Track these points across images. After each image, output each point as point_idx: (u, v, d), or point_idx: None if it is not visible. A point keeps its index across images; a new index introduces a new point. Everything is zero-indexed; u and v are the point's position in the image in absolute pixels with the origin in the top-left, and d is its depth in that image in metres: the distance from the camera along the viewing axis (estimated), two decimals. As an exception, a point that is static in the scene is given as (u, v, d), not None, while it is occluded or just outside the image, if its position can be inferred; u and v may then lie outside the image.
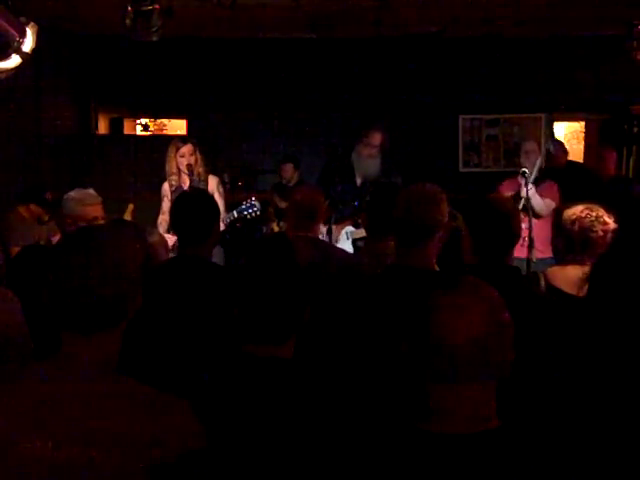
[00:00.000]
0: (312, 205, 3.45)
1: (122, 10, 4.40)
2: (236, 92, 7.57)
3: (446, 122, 7.87)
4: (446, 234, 2.48)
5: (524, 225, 4.46)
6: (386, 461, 1.46)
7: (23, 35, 4.01)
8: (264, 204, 6.06)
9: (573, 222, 3.06)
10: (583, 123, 9.06)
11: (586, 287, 2.30)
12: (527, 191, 4.65)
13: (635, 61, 5.12)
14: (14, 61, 4.07)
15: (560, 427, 1.92)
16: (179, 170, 4.69)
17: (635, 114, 7.82)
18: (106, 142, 7.90)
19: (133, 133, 8.95)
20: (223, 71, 7.55)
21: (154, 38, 4.49)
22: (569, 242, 3.08)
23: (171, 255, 3.51)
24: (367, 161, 5.11)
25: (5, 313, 2.15)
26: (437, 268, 2.87)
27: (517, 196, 4.66)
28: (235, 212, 4.39)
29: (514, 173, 5.04)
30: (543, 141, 4.76)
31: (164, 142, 5.03)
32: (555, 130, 8.58)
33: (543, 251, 4.96)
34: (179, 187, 4.68)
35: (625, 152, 7.67)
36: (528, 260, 4.48)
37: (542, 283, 3.09)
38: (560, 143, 6.70)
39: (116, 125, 8.44)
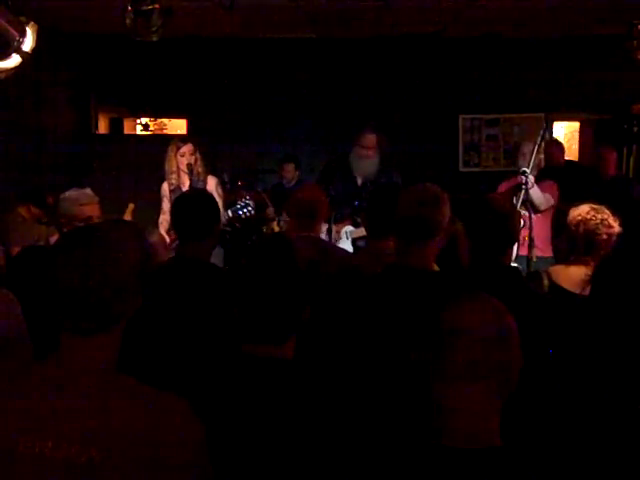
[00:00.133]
0: (313, 204, 3.45)
1: (122, 10, 4.40)
2: (236, 92, 7.57)
3: (446, 122, 7.87)
4: (446, 237, 2.48)
5: (526, 224, 4.46)
6: (389, 464, 1.45)
7: (23, 35, 4.02)
8: (264, 204, 6.07)
9: (578, 224, 3.07)
10: (578, 123, 9.06)
11: (589, 287, 2.30)
12: (527, 184, 4.64)
13: (635, 61, 5.12)
14: (14, 61, 4.08)
15: (562, 435, 1.92)
16: (179, 169, 4.69)
17: (635, 114, 7.82)
18: (106, 142, 7.89)
19: (133, 133, 8.95)
20: (223, 71, 7.55)
21: (154, 38, 4.49)
22: (573, 243, 3.09)
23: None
24: (362, 162, 5.15)
25: (5, 314, 2.16)
26: (437, 269, 2.88)
27: (517, 188, 4.65)
28: (230, 211, 4.40)
29: (514, 173, 5.04)
30: (539, 140, 4.74)
31: (164, 142, 5.02)
32: (554, 130, 8.59)
33: (543, 250, 4.97)
34: (178, 187, 4.69)
35: (625, 152, 7.68)
36: (528, 259, 4.48)
37: (545, 282, 3.10)
38: (558, 143, 6.70)
39: (116, 125, 8.43)
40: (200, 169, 4.69)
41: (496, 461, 1.39)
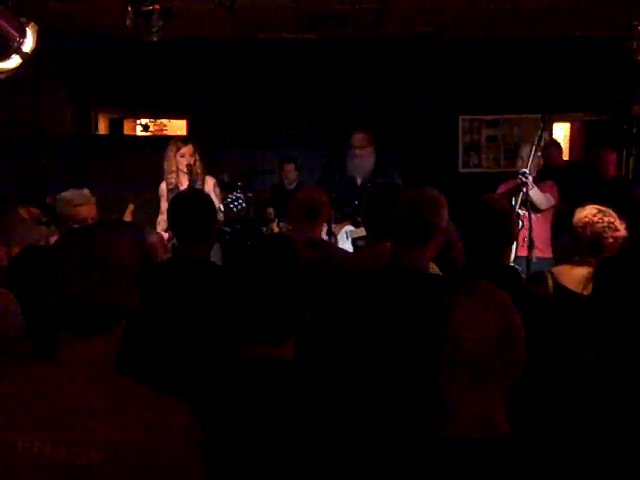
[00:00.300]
0: (315, 205, 3.45)
1: (122, 10, 4.40)
2: (236, 92, 7.57)
3: (446, 122, 7.87)
4: (443, 241, 2.50)
5: (525, 224, 4.46)
6: (392, 466, 1.45)
7: (23, 35, 4.01)
8: (263, 204, 6.07)
9: (585, 226, 3.07)
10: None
11: (590, 286, 2.31)
12: (527, 185, 4.64)
13: (635, 61, 5.11)
14: (14, 61, 4.07)
15: (564, 430, 1.92)
16: (177, 169, 4.70)
17: (635, 115, 7.82)
18: (106, 142, 7.89)
19: (133, 133, 8.95)
20: (223, 71, 7.55)
21: (154, 38, 4.49)
22: (578, 244, 3.09)
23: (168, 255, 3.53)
24: (356, 161, 5.21)
25: (4, 314, 2.16)
26: (437, 270, 2.89)
27: (517, 189, 4.66)
28: (222, 205, 4.41)
29: (514, 174, 5.04)
30: (536, 142, 4.74)
31: (164, 143, 5.03)
32: (554, 130, 8.59)
33: (543, 250, 4.97)
34: (176, 186, 4.69)
35: (625, 153, 7.68)
36: (528, 260, 4.49)
37: (550, 282, 3.10)
38: (557, 143, 6.70)
39: (116, 125, 8.43)
40: (199, 170, 4.70)
41: (507, 448, 1.40)
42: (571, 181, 5.61)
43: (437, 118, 7.75)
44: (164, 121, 9.51)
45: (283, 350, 1.73)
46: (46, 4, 5.16)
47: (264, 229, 5.67)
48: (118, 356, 1.47)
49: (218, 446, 1.53)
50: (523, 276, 3.20)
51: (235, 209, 4.37)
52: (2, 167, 5.81)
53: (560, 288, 3.04)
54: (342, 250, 3.99)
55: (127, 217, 4.87)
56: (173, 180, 4.73)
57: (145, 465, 1.33)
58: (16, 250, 3.10)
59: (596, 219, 3.06)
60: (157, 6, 4.34)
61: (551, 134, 8.15)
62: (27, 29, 4.04)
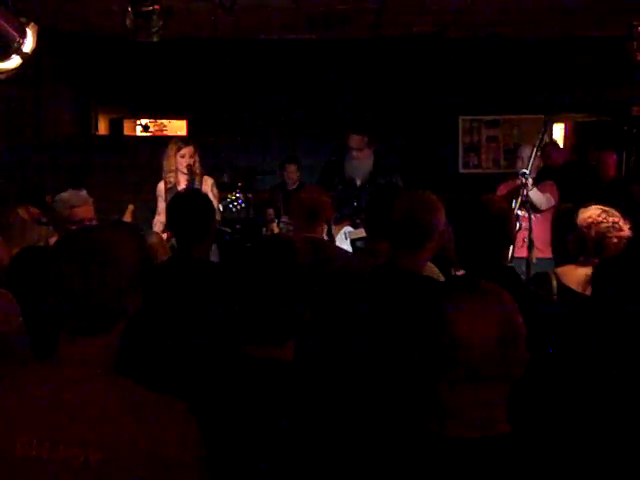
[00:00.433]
0: (316, 205, 3.45)
1: (122, 11, 4.40)
2: (236, 92, 7.58)
3: (446, 123, 7.87)
4: (440, 244, 2.52)
5: (524, 225, 4.46)
6: (392, 466, 1.45)
7: (23, 35, 4.01)
8: (263, 204, 6.07)
9: (589, 226, 3.07)
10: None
11: (590, 286, 2.32)
12: (527, 186, 4.64)
13: (635, 62, 5.11)
14: (14, 62, 4.07)
15: (565, 429, 1.92)
16: (177, 169, 4.70)
17: (635, 115, 7.81)
18: (106, 143, 7.89)
19: (133, 134, 8.94)
20: (223, 72, 7.55)
21: (154, 39, 4.48)
22: (582, 244, 3.09)
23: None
24: (353, 163, 5.23)
25: (4, 314, 2.16)
26: (437, 270, 2.89)
27: (517, 190, 4.65)
28: (220, 206, 4.42)
29: (514, 175, 5.04)
30: (537, 143, 4.74)
31: (164, 143, 5.03)
32: (554, 131, 8.59)
33: (543, 251, 4.97)
34: (174, 186, 4.69)
35: (625, 154, 7.67)
36: (528, 261, 4.48)
37: (554, 283, 3.10)
38: (556, 144, 6.71)
39: (116, 126, 8.42)
40: (198, 170, 4.71)
41: (507, 448, 1.40)
42: (570, 181, 5.61)
43: (437, 118, 7.75)
44: (164, 121, 9.50)
45: (283, 350, 1.73)
46: (46, 4, 5.16)
47: (264, 229, 5.67)
48: (118, 356, 1.46)
49: (218, 446, 1.53)
50: (522, 277, 3.20)
51: (234, 209, 4.38)
52: (2, 167, 5.81)
53: (564, 288, 3.04)
54: (342, 250, 3.99)
55: (127, 218, 4.87)
56: (172, 179, 4.72)
57: (144, 465, 1.33)
58: (15, 250, 3.09)
59: (600, 219, 3.06)
60: (157, 6, 4.34)
61: (551, 135, 8.15)
62: (27, 29, 4.04)
